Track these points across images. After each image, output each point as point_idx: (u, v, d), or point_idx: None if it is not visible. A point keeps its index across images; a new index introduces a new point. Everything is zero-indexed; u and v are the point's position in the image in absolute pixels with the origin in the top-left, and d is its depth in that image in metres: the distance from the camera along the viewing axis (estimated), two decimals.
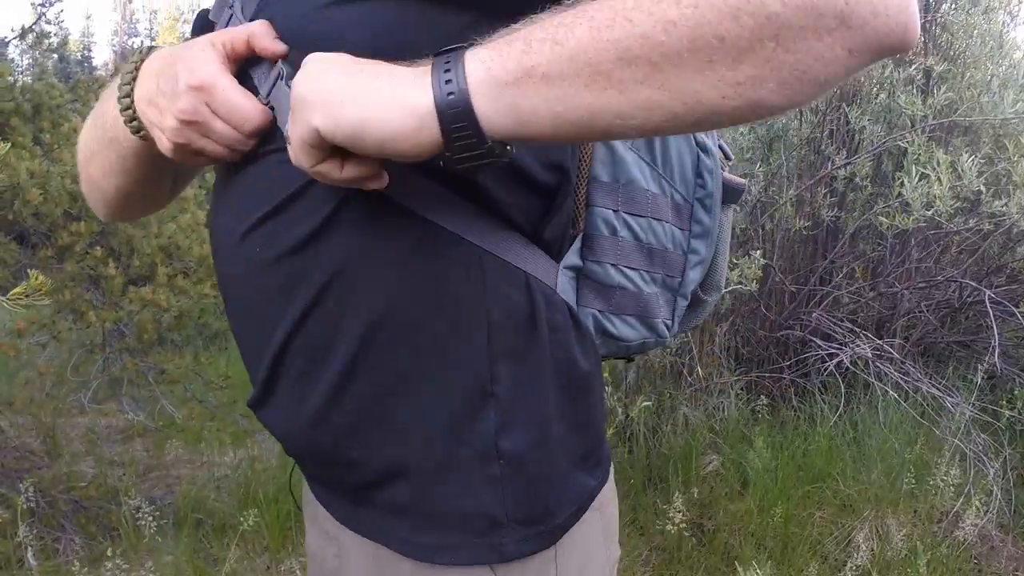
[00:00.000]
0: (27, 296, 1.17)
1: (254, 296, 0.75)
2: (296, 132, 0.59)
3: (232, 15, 0.75)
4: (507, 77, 0.54)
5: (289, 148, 0.61)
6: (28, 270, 1.19)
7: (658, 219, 0.84)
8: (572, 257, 0.78)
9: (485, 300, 0.68)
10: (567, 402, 0.73)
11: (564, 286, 0.76)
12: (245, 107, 0.67)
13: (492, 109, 0.55)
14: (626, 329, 0.84)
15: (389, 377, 0.69)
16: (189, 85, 0.67)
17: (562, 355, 0.73)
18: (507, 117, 0.55)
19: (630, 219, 0.81)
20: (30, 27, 3.66)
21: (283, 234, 0.69)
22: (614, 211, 0.80)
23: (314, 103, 0.57)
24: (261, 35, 0.67)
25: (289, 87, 0.66)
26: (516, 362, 0.70)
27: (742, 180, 0.96)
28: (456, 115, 0.55)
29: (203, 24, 0.81)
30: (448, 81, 0.55)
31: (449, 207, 0.68)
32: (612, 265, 0.80)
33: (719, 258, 0.96)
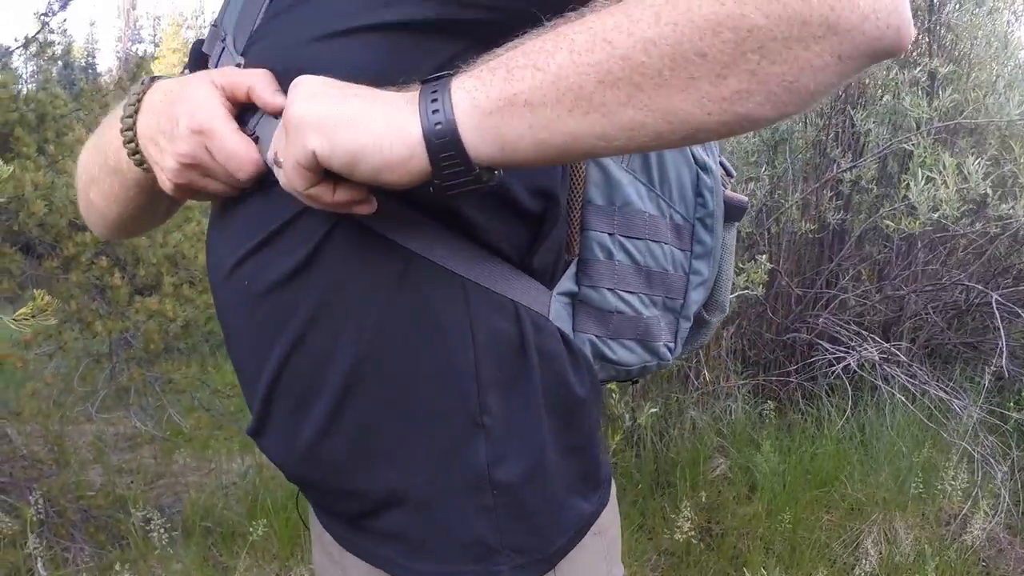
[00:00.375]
0: (33, 316, 1.17)
1: (245, 328, 0.75)
2: (291, 154, 0.59)
3: (224, 48, 0.75)
4: (491, 106, 0.55)
5: (280, 172, 0.62)
6: (35, 289, 1.19)
7: (657, 241, 0.83)
8: (567, 283, 0.77)
9: (471, 330, 0.68)
10: (561, 429, 0.73)
11: (558, 312, 0.76)
12: (240, 155, 0.67)
13: (478, 138, 0.55)
14: (625, 353, 0.83)
15: (379, 409, 0.70)
16: (190, 129, 0.68)
17: (554, 382, 0.72)
18: (492, 145, 0.56)
19: (627, 242, 0.81)
20: (34, 36, 3.67)
21: (269, 269, 0.70)
22: (610, 234, 0.79)
23: (310, 126, 0.57)
24: (262, 87, 0.67)
25: (277, 119, 0.66)
26: (506, 392, 0.70)
27: (744, 198, 0.96)
28: (443, 145, 0.55)
29: (197, 56, 0.82)
30: (435, 111, 0.55)
31: (433, 237, 0.68)
32: (609, 290, 0.80)
33: (723, 277, 0.95)
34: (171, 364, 2.88)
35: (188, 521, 2.74)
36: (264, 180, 0.70)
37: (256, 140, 0.68)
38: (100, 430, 3.42)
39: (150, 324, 2.65)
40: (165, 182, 0.72)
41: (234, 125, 0.68)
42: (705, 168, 0.87)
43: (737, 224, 0.97)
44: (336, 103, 0.58)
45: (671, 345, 0.90)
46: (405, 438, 0.69)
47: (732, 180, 0.97)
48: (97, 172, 0.84)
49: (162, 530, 2.31)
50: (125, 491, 2.89)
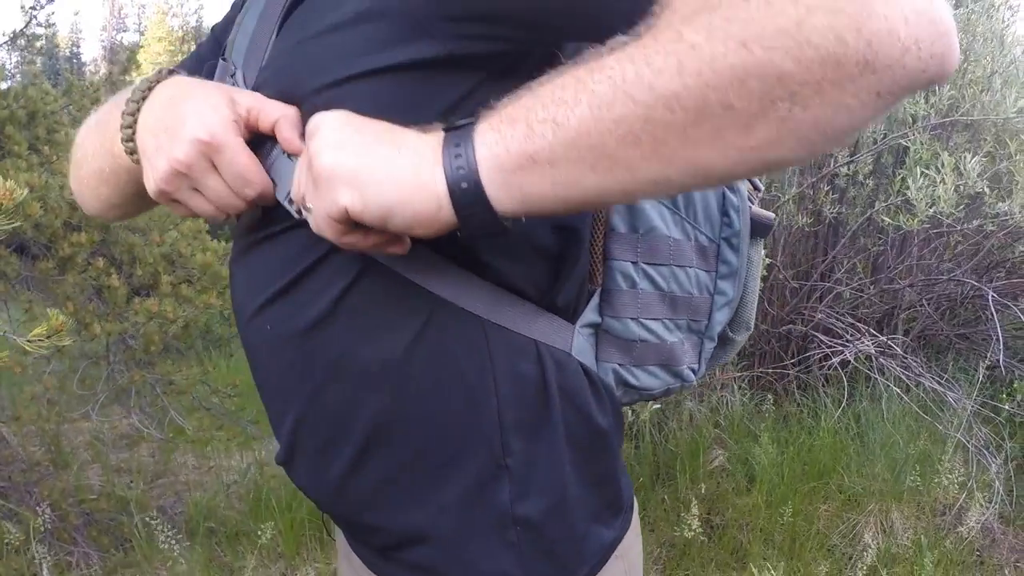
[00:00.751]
0: (48, 337, 1.16)
1: (269, 368, 0.76)
2: (322, 207, 0.58)
3: (234, 84, 0.74)
4: (512, 164, 0.53)
5: (310, 218, 0.61)
6: (29, 291, 1.18)
7: (681, 266, 0.83)
8: (590, 314, 0.77)
9: (492, 375, 0.69)
10: (584, 463, 0.74)
11: (581, 345, 0.76)
12: (252, 172, 0.66)
13: (503, 194, 0.55)
14: (648, 379, 0.83)
15: (403, 456, 0.70)
16: (196, 136, 0.65)
17: (577, 419, 0.73)
18: (516, 201, 0.55)
19: (650, 269, 0.80)
20: (21, 31, 3.62)
21: (292, 316, 0.70)
22: (633, 263, 0.79)
23: (341, 180, 0.56)
24: (289, 125, 0.65)
25: (292, 160, 0.65)
26: (528, 433, 0.70)
27: (770, 214, 0.94)
28: (469, 202, 0.55)
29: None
30: (460, 168, 0.55)
31: (454, 280, 0.68)
32: (632, 319, 0.79)
33: (748, 295, 0.94)
34: (172, 365, 2.87)
35: (192, 522, 2.74)
36: (276, 225, 0.70)
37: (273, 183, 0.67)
38: (97, 428, 3.40)
39: (150, 326, 2.63)
40: (150, 182, 0.69)
41: (244, 143, 0.66)
42: (731, 187, 0.86)
43: (763, 240, 0.96)
44: (364, 155, 0.57)
45: (695, 367, 0.90)
46: (429, 481, 0.70)
47: (760, 194, 0.96)
48: (92, 150, 0.83)
49: (166, 532, 2.31)
50: (125, 492, 2.88)
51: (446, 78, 0.63)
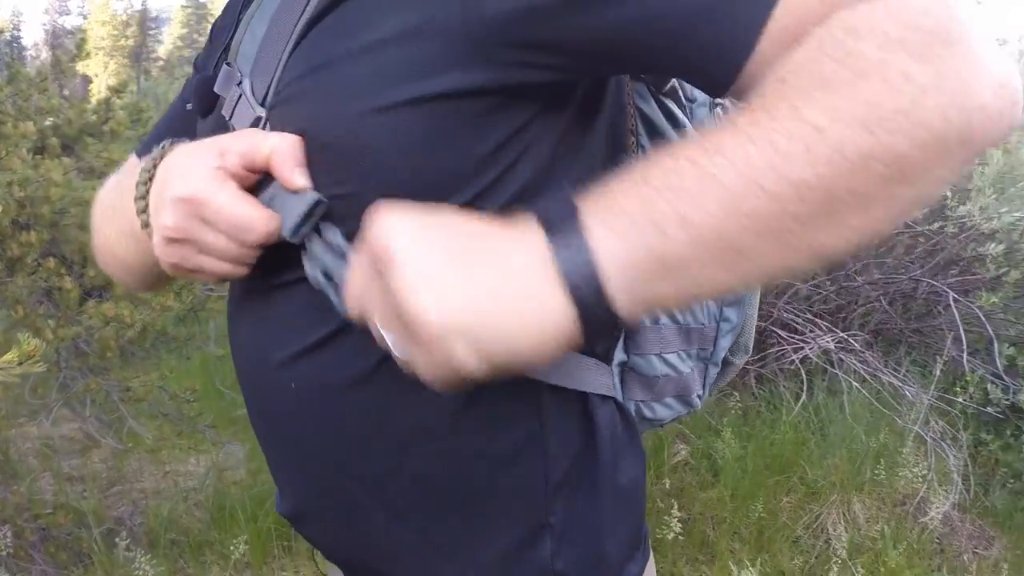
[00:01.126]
0: (20, 364, 1.10)
1: (284, 421, 0.71)
2: (428, 362, 0.51)
3: (241, 95, 0.69)
4: (638, 273, 0.49)
5: (395, 352, 0.54)
6: (19, 333, 1.12)
7: None
8: (619, 354, 0.77)
9: (542, 436, 0.67)
10: (622, 511, 0.74)
11: (616, 387, 0.75)
12: (245, 214, 0.60)
13: (625, 297, 0.50)
14: (663, 411, 0.84)
15: (439, 517, 0.68)
16: (176, 197, 0.60)
17: (617, 471, 0.72)
18: (638, 304, 0.51)
19: None
20: None
21: (325, 373, 0.66)
22: None
23: (451, 333, 0.48)
24: (284, 161, 0.60)
25: (293, 193, 0.60)
26: (573, 491, 0.69)
27: None
28: (593, 314, 0.50)
29: (206, 92, 0.74)
30: (579, 287, 0.49)
31: None
32: (656, 355, 0.79)
33: (748, 321, 0.96)
34: (129, 371, 2.77)
35: (152, 533, 2.66)
36: (285, 264, 0.65)
37: None
38: (46, 434, 3.26)
39: (105, 331, 2.53)
40: (160, 261, 0.66)
41: (232, 187, 0.61)
42: None
43: None
44: (470, 291, 0.49)
45: (700, 393, 0.91)
46: (469, 543, 0.68)
47: None
48: (114, 234, 0.79)
49: (127, 546, 2.24)
50: (80, 503, 2.77)
51: (500, 110, 0.58)
